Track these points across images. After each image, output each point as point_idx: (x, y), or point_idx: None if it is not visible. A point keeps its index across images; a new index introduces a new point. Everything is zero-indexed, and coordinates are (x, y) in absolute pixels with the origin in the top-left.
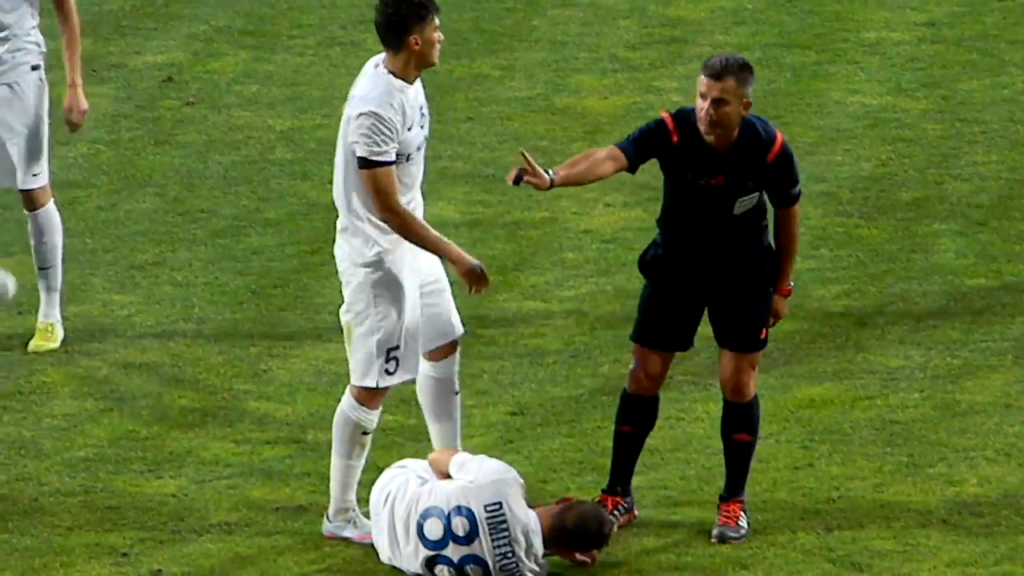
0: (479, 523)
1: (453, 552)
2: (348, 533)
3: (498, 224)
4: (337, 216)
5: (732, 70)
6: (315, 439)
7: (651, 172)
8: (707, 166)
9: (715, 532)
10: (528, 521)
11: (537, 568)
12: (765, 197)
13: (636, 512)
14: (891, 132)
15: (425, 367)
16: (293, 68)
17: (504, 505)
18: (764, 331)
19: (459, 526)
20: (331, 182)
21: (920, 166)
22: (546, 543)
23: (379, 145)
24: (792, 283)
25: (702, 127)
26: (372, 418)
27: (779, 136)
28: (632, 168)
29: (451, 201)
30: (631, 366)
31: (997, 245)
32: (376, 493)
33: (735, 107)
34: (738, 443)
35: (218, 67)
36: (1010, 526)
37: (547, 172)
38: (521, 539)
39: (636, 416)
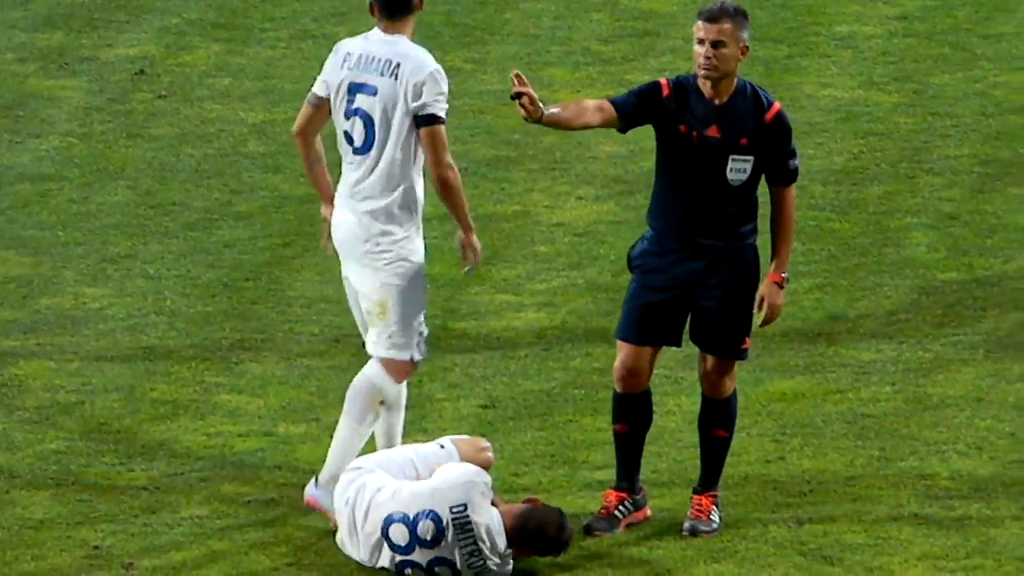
0: (445, 526)
1: (420, 556)
2: (327, 503)
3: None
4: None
5: (728, 13)
6: (287, 432)
7: (623, 167)
8: (702, 117)
9: (686, 526)
10: (491, 521)
11: (500, 562)
12: (757, 194)
13: (649, 512)
14: (863, 126)
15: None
16: (265, 61)
17: (469, 506)
18: (746, 340)
19: (425, 530)
20: (303, 174)
21: (892, 160)
22: (508, 542)
23: (445, 102)
24: (787, 274)
25: (701, 73)
26: (394, 391)
27: (778, 102)
28: (623, 124)
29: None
30: (616, 364)
31: (969, 239)
32: (338, 496)
33: (733, 50)
34: (715, 438)
35: (190, 60)
36: (981, 519)
37: (540, 105)
38: (485, 538)
39: (630, 414)
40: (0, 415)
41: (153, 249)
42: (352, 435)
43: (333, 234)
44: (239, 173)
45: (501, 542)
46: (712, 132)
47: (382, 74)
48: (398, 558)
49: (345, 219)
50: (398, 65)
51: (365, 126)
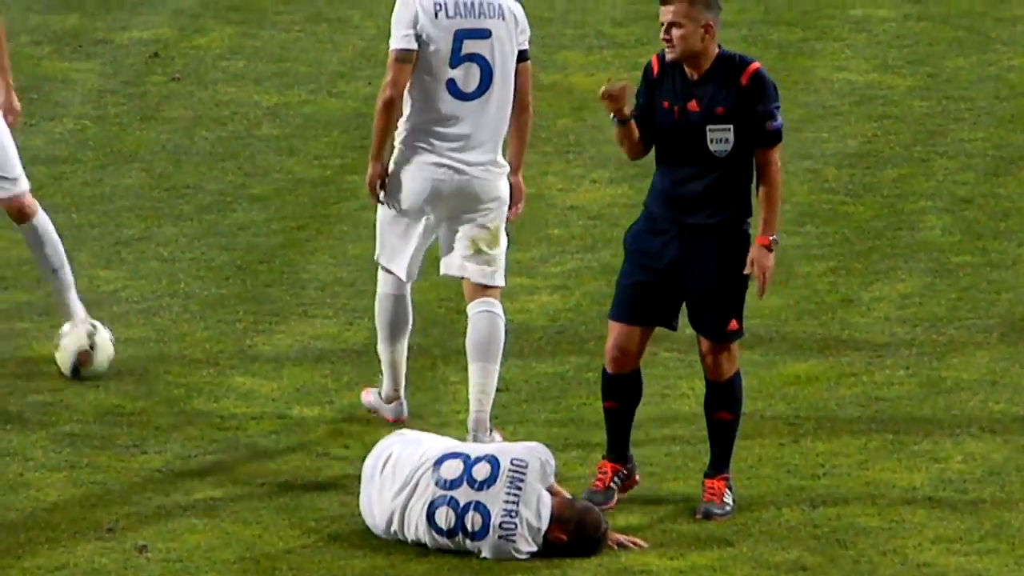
0: (501, 473)
1: (463, 495)
2: (372, 400)
3: None
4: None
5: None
6: (301, 414)
7: None
8: (683, 92)
9: (700, 509)
10: (542, 494)
11: (529, 536)
12: (751, 176)
13: (638, 478)
14: (877, 109)
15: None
16: (280, 44)
17: (529, 467)
18: (735, 322)
19: (480, 471)
20: (317, 157)
21: (906, 143)
22: (549, 521)
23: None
24: (775, 236)
25: (667, 52)
26: None
27: (756, 62)
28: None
29: None
30: (607, 344)
31: (983, 222)
32: (372, 457)
33: (690, 29)
34: (720, 421)
35: (204, 43)
36: (995, 503)
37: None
38: (533, 502)
39: (619, 393)
40: (14, 398)
41: (167, 232)
42: (494, 377)
43: (418, 189)
44: (253, 156)
45: (545, 514)
46: (692, 106)
47: (493, 16)
48: (437, 493)
49: (445, 175)
50: (502, 6)
51: (481, 71)
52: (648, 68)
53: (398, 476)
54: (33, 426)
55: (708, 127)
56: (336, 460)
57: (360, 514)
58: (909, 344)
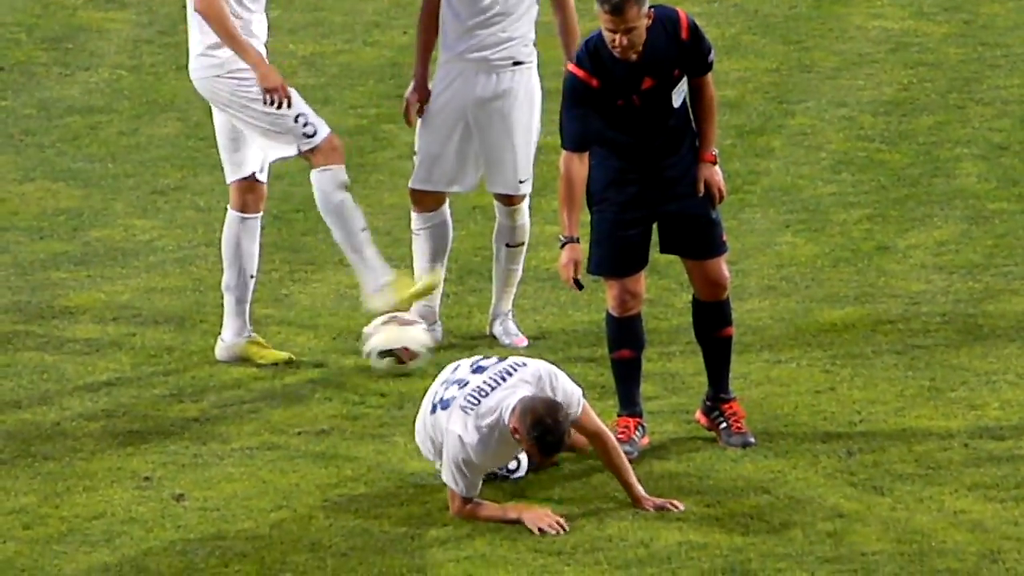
0: (497, 365)
1: (457, 386)
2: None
3: None
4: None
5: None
6: (337, 363)
7: None
8: (631, 80)
9: (735, 440)
10: (523, 392)
11: (485, 426)
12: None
13: (648, 439)
14: (913, 56)
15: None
16: None
17: (527, 368)
18: (723, 233)
19: (484, 363)
20: (353, 107)
21: (942, 90)
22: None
23: None
24: (716, 150)
25: (621, 55)
26: None
27: (680, 11)
28: (590, 144)
29: None
30: (610, 296)
31: (1019, 169)
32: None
33: (642, 23)
34: (725, 338)
35: None
36: None
37: (568, 240)
38: (509, 396)
39: (631, 339)
40: (51, 347)
41: (203, 181)
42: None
43: (457, 95)
44: None
45: (509, 407)
46: (647, 84)
47: None
48: (442, 392)
49: (478, 79)
50: None
51: None
52: (580, 84)
53: (428, 395)
54: (70, 375)
55: (672, 93)
56: (372, 409)
57: (396, 463)
58: (945, 291)
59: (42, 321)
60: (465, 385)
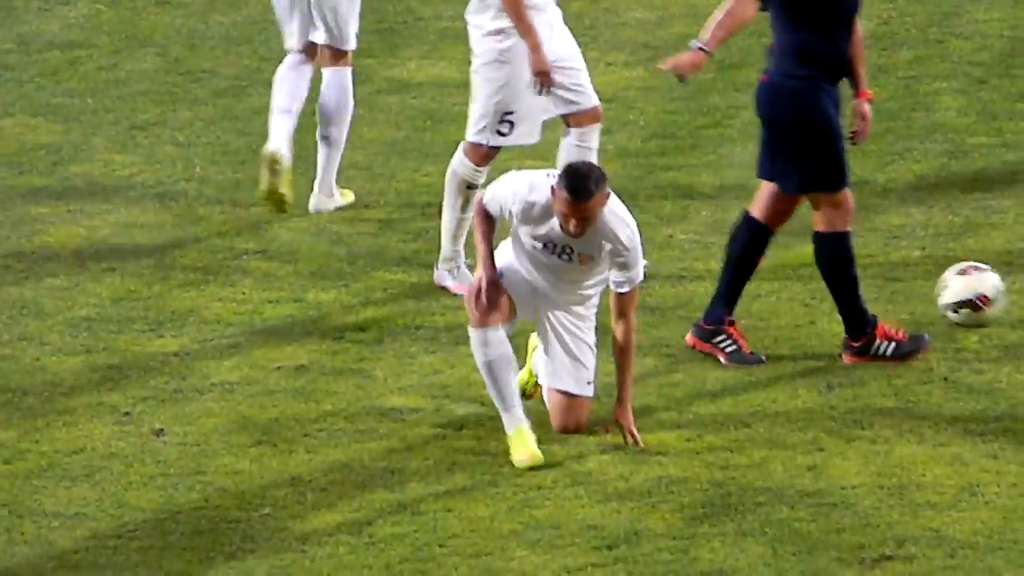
0: None
1: None
2: (448, 283)
3: None
4: None
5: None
6: (316, 298)
7: (652, 32)
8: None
9: (750, 359)
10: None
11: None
12: None
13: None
14: None
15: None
16: None
17: (624, 230)
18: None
19: None
20: None
21: (921, 24)
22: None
23: None
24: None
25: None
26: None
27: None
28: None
29: (452, 61)
30: (849, 207)
31: (998, 103)
32: None
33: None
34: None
35: None
36: (1011, 383)
37: (701, 48)
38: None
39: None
40: (30, 283)
41: (182, 116)
42: (453, 220)
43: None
44: (268, 40)
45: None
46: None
47: None
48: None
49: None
50: None
51: None
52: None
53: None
54: (49, 311)
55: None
56: (352, 343)
57: (376, 398)
58: (925, 225)
59: (22, 256)
60: None
